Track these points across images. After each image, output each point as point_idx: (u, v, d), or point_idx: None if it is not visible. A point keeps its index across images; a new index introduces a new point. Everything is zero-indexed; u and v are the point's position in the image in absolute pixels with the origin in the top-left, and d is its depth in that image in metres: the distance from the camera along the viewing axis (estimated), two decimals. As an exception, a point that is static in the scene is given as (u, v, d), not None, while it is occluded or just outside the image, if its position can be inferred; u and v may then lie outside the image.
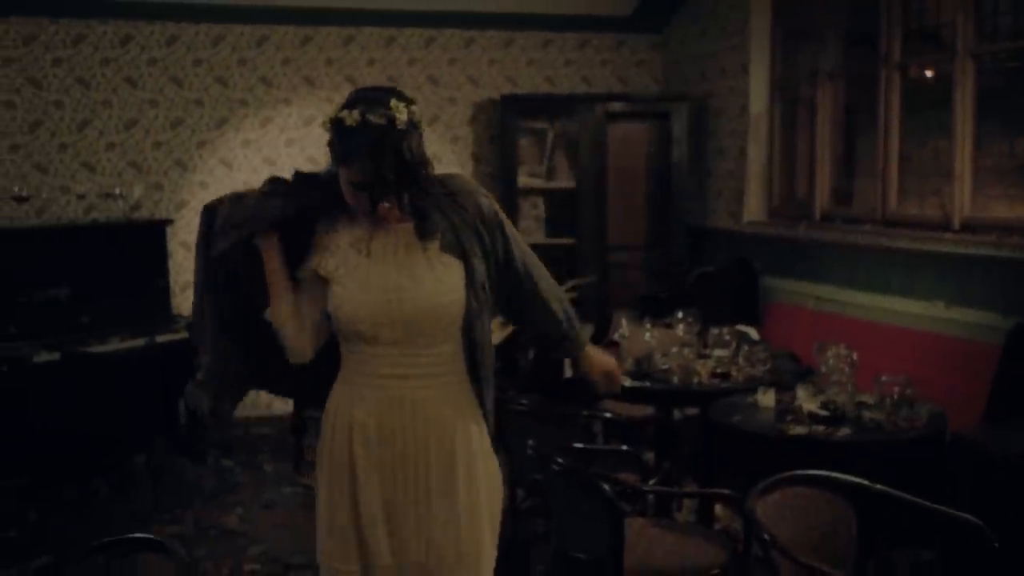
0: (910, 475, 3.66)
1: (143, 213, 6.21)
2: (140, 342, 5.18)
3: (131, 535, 2.30)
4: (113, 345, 5.05)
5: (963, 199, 4.83)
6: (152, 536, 2.29)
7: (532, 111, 6.90)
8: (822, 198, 5.86)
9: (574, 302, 6.44)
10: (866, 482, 2.72)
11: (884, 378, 3.41)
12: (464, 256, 2.22)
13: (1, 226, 5.54)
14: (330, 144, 2.11)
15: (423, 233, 2.20)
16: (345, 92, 6.76)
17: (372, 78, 6.71)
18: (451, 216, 2.23)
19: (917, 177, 5.28)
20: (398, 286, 2.18)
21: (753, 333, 5.05)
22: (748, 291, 6.08)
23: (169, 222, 6.10)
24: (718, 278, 6.21)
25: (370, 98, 2.09)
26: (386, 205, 2.11)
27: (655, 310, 5.39)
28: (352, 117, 2.04)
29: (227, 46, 6.49)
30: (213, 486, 5.31)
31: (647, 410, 4.28)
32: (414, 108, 2.12)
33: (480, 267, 2.24)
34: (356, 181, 2.07)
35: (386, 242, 2.22)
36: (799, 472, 2.72)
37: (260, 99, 6.58)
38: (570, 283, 6.15)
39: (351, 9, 6.56)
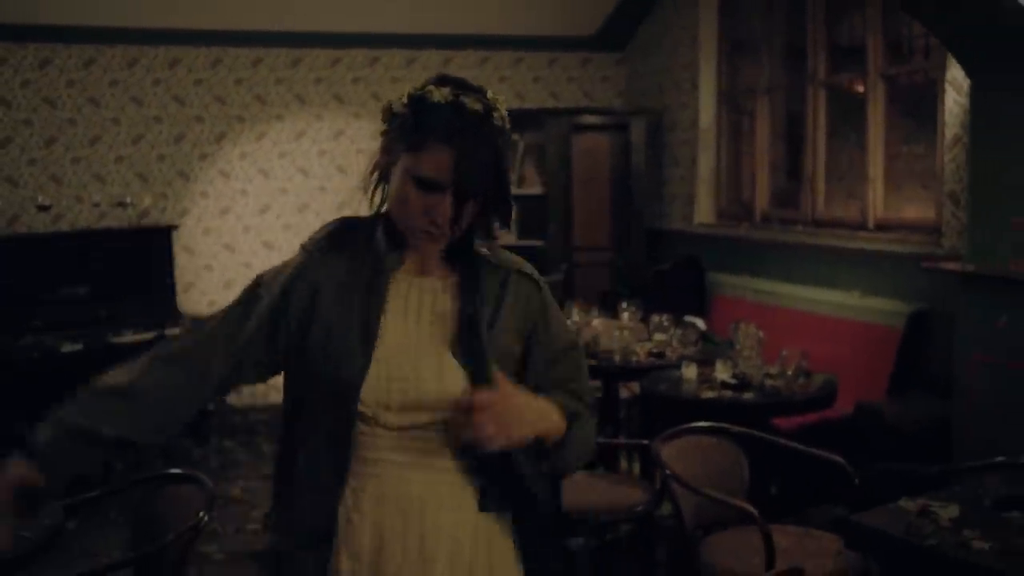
0: (816, 435, 4.34)
1: (150, 220, 6.83)
2: (150, 335, 5.80)
3: (165, 471, 2.92)
4: (128, 337, 5.68)
5: (876, 202, 5.49)
6: (182, 471, 2.90)
7: (504, 124, 7.53)
8: (761, 201, 6.52)
9: None
10: (751, 431, 3.38)
11: (784, 352, 4.07)
12: (500, 351, 1.70)
13: (26, 233, 6.16)
14: (395, 128, 1.66)
15: (470, 298, 1.69)
16: (333, 108, 7.38)
17: (358, 95, 7.36)
18: (501, 298, 1.72)
19: (842, 182, 5.95)
20: (414, 367, 1.66)
21: (700, 323, 5.69)
22: (697, 285, 6.74)
23: (174, 228, 6.73)
24: (671, 274, 6.86)
25: (460, 82, 1.67)
26: (447, 221, 1.62)
27: (614, 304, 6.05)
28: (442, 93, 1.62)
29: (224, 68, 7.13)
30: (217, 463, 5.94)
31: (595, 384, 4.93)
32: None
33: (511, 365, 1.73)
34: (427, 175, 1.60)
35: (413, 294, 1.72)
36: (695, 424, 3.38)
37: (255, 115, 7.21)
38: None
39: (337, 33, 7.20)
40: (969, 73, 4.08)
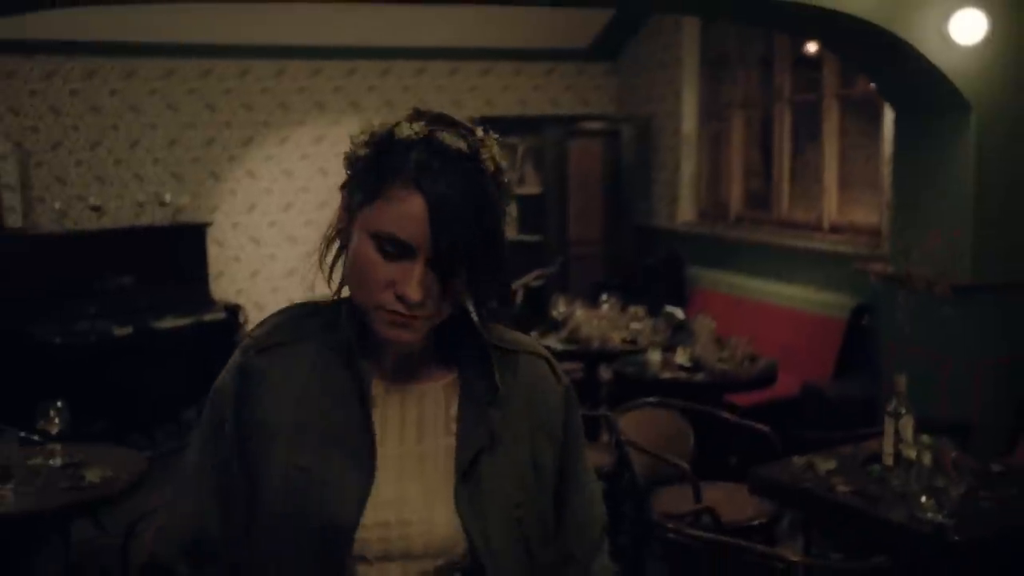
0: (768, 411, 5.06)
1: (185, 216, 7.57)
2: (188, 320, 6.56)
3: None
4: (169, 322, 6.43)
5: (830, 207, 6.20)
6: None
7: (506, 129, 8.19)
8: (735, 203, 7.23)
9: (539, 290, 7.76)
10: (692, 404, 4.11)
11: (732, 339, 4.80)
12: (514, 477, 1.33)
13: (78, 229, 6.92)
14: (355, 175, 1.27)
15: (478, 395, 1.32)
16: (351, 115, 8.24)
17: (372, 102, 8.08)
18: (513, 400, 1.34)
19: (805, 188, 6.65)
20: (405, 501, 1.28)
21: (679, 313, 6.41)
22: (678, 278, 7.46)
23: (207, 224, 7.47)
24: (656, 268, 7.58)
25: (440, 116, 1.26)
26: (423, 300, 1.22)
27: (617, 295, 6.69)
28: (412, 129, 1.23)
29: (251, 78, 7.85)
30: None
31: (577, 367, 5.65)
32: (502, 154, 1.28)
33: (529, 486, 1.35)
34: (390, 233, 1.21)
35: (399, 409, 1.33)
36: (647, 399, 4.11)
37: (279, 121, 7.94)
38: (536, 272, 7.54)
39: (353, 46, 7.91)
40: (893, 106, 4.79)
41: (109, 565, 3.30)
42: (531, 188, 8.30)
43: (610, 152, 8.19)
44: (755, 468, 3.27)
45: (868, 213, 5.97)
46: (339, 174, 1.29)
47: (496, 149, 1.26)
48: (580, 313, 5.59)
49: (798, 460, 3.26)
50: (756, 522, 3.70)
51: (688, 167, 7.73)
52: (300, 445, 1.27)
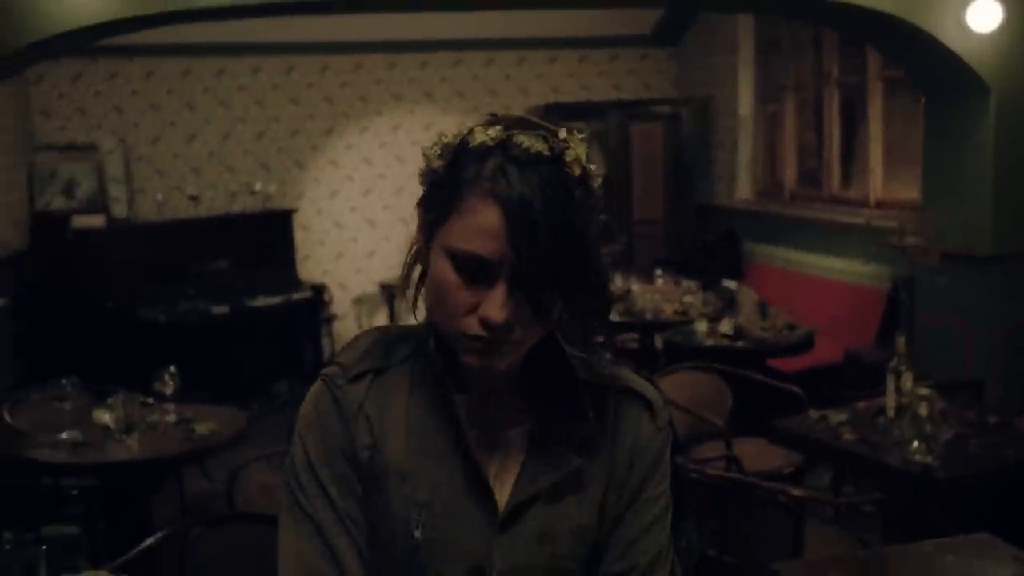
0: (813, 376, 5.43)
1: (273, 203, 8.16)
2: (278, 299, 7.15)
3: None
4: (261, 301, 7.03)
5: (876, 184, 6.51)
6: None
7: (571, 115, 8.64)
8: (789, 181, 7.57)
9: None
10: (731, 368, 4.52)
11: (772, 309, 5.19)
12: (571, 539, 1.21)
13: (177, 218, 7.57)
14: (429, 191, 1.17)
15: (553, 438, 1.21)
16: (425, 105, 8.84)
17: (444, 92, 8.57)
18: (596, 447, 1.22)
19: (852, 166, 6.96)
20: (490, 549, 1.18)
21: (735, 287, 6.80)
22: (734, 254, 7.83)
23: (293, 210, 8.05)
24: (713, 245, 7.96)
25: (518, 119, 1.16)
26: (508, 325, 1.11)
27: (673, 270, 7.10)
28: (487, 134, 1.13)
29: (331, 73, 8.40)
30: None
31: (633, 337, 6.09)
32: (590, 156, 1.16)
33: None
34: (467, 250, 1.10)
35: (486, 447, 1.21)
36: (688, 364, 4.54)
37: (358, 112, 8.48)
38: (604, 249, 7.96)
39: (425, 40, 8.40)
40: (921, 92, 5.11)
41: (215, 506, 3.87)
42: (596, 171, 8.70)
43: (671, 134, 8.56)
44: (775, 421, 3.68)
45: (911, 189, 6.27)
46: (415, 160, 1.19)
47: (583, 150, 1.15)
48: (636, 287, 6.02)
49: (814, 413, 3.67)
50: (785, 471, 4.11)
51: (745, 147, 8.07)
52: (414, 481, 1.17)
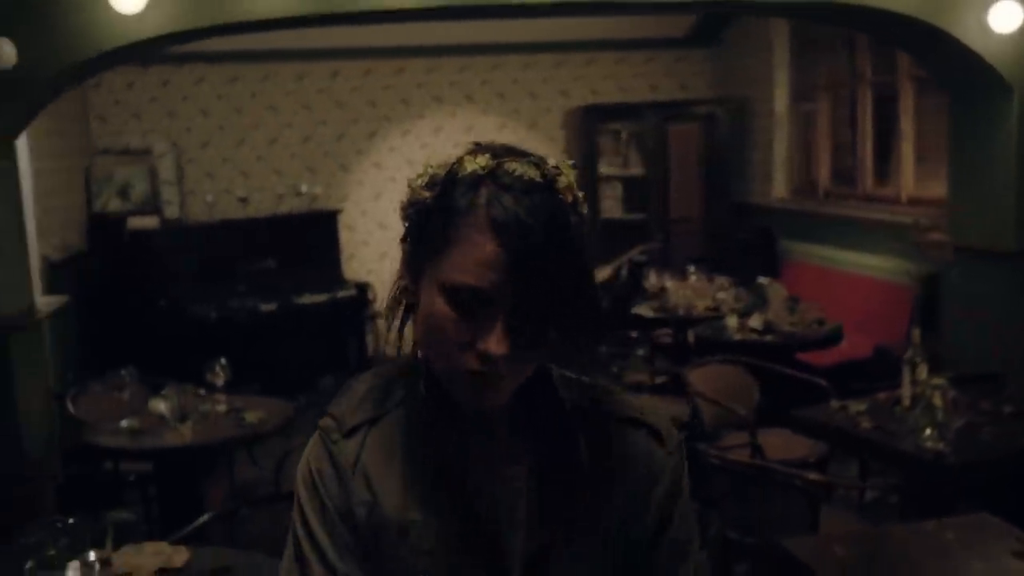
0: (844, 371, 5.56)
1: (319, 205, 8.41)
2: (324, 297, 7.39)
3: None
4: (307, 299, 7.28)
5: (908, 182, 6.61)
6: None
7: (609, 116, 8.83)
8: (823, 180, 7.68)
9: (642, 265, 8.26)
10: (756, 360, 4.67)
11: (801, 304, 5.32)
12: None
13: (226, 219, 7.84)
14: (415, 224, 1.14)
15: (557, 475, 1.17)
16: (465, 108, 9.08)
17: (484, 95, 8.77)
18: (601, 479, 1.19)
19: (884, 164, 7.05)
20: None
21: (766, 283, 6.93)
22: (770, 252, 7.95)
23: (338, 211, 8.29)
24: (749, 242, 8.08)
25: (505, 148, 1.14)
26: (513, 356, 1.09)
27: (709, 268, 7.24)
28: (477, 163, 1.10)
29: (374, 77, 8.63)
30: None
31: (667, 332, 6.24)
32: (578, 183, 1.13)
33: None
34: (463, 283, 1.07)
35: (486, 488, 1.18)
36: (719, 357, 4.69)
37: (400, 115, 8.70)
38: (639, 248, 8.14)
39: (466, 44, 8.60)
40: (947, 90, 5.22)
41: (263, 490, 4.10)
42: (634, 170, 8.87)
43: (707, 134, 8.69)
44: (797, 410, 3.83)
45: (942, 186, 6.35)
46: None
47: (573, 177, 1.11)
48: (670, 284, 6.18)
49: (834, 404, 3.81)
50: (810, 460, 4.25)
51: (780, 146, 8.19)
52: (417, 531, 1.14)
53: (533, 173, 1.09)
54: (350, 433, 1.19)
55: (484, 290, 1.07)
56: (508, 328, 1.07)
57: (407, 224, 1.15)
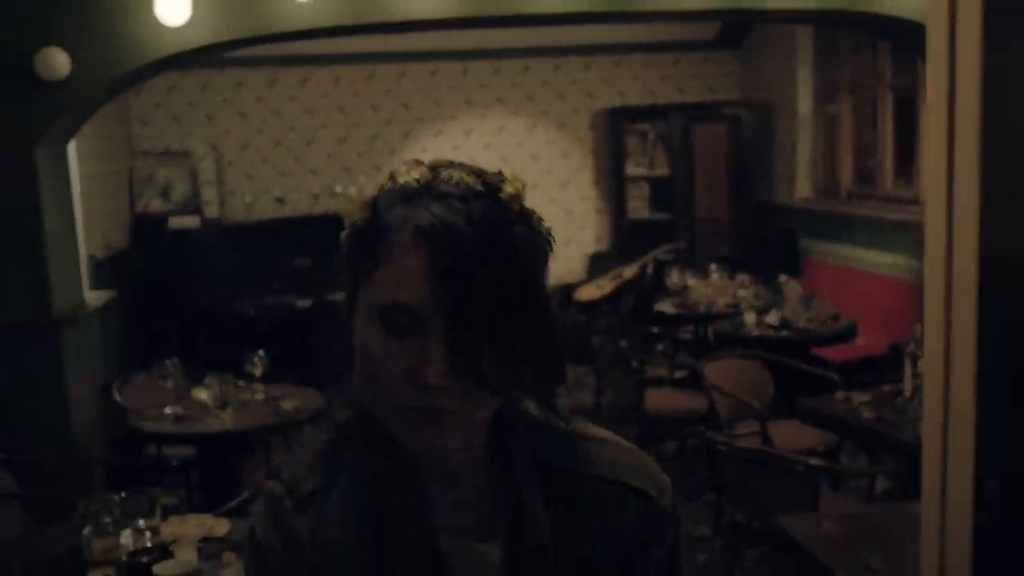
0: (860, 366, 5.73)
1: (353, 204, 8.65)
2: (357, 294, 7.64)
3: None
4: (341, 295, 7.52)
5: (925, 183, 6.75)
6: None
7: (636, 117, 9.01)
8: (845, 181, 7.83)
9: (668, 264, 8.35)
10: (769, 355, 4.85)
11: (816, 301, 5.50)
12: None
13: (265, 218, 8.12)
14: (350, 245, 1.03)
15: (530, 538, 1.05)
16: (496, 109, 9.33)
17: (515, 97, 8.99)
18: (576, 542, 1.07)
19: (905, 165, 7.20)
20: None
21: (785, 281, 7.10)
22: (792, 251, 8.10)
23: (372, 211, 8.53)
24: (772, 241, 8.24)
25: (447, 162, 1.03)
26: (452, 385, 0.96)
27: (732, 267, 7.41)
28: (412, 175, 1.01)
29: (407, 80, 8.87)
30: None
31: (688, 328, 6.44)
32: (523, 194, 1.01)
33: None
34: (393, 301, 0.96)
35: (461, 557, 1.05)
36: (736, 351, 4.88)
37: (433, 117, 8.94)
38: (665, 247, 8.33)
39: (497, 48, 8.82)
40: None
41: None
42: (660, 171, 9.05)
43: (733, 135, 8.86)
44: (803, 401, 4.02)
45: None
46: (487, 164, 1.04)
47: (521, 186, 1.00)
48: (692, 282, 6.37)
49: (840, 395, 4.00)
50: (819, 450, 4.43)
51: (804, 148, 8.34)
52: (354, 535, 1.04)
53: (472, 181, 0.99)
54: (300, 505, 1.05)
55: (412, 306, 0.95)
56: (445, 351, 0.94)
57: (343, 251, 1.04)
